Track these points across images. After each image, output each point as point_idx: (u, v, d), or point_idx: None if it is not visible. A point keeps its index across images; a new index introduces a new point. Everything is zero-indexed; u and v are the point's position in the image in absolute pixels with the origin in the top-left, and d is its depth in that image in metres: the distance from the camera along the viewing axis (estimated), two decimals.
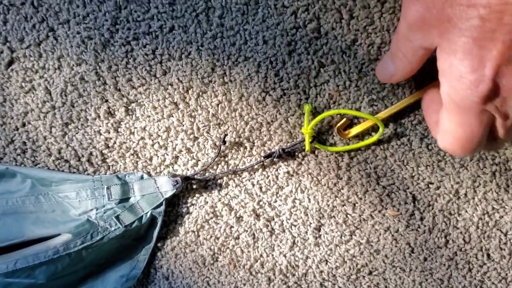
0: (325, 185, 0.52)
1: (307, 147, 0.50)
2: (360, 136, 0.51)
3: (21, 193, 0.55)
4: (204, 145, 0.53)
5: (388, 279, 0.54)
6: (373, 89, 0.49)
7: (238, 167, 0.53)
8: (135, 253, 0.58)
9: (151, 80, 0.51)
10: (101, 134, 0.54)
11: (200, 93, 0.51)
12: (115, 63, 0.51)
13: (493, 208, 0.52)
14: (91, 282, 0.59)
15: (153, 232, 0.56)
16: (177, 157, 0.54)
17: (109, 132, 0.53)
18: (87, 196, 0.54)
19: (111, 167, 0.55)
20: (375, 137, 0.49)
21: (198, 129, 0.52)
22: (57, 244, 0.53)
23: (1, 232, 0.54)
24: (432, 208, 0.51)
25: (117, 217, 0.54)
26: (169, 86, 0.51)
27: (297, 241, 0.54)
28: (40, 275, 0.54)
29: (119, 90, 0.52)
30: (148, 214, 0.54)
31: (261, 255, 0.55)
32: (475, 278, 0.53)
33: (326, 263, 0.54)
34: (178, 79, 0.51)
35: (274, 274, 0.55)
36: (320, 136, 0.51)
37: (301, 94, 0.50)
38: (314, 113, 0.50)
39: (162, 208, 0.54)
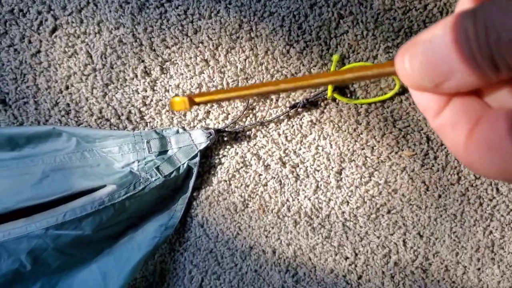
0: (345, 131, 0.53)
1: (329, 94, 0.51)
2: (379, 89, 0.52)
3: (67, 150, 0.56)
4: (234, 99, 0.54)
5: (406, 216, 0.55)
6: (389, 37, 0.50)
7: (265, 118, 0.54)
8: (173, 203, 0.59)
9: (183, 39, 0.53)
10: (138, 92, 0.55)
11: (229, 49, 0.52)
12: (150, 24, 0.52)
13: None
14: (132, 233, 0.60)
15: (189, 182, 0.57)
16: (209, 111, 0.55)
17: (146, 91, 0.55)
18: (128, 150, 0.55)
19: (148, 123, 0.56)
20: (391, 93, 0.50)
21: (228, 84, 0.53)
22: (102, 195, 0.55)
23: (51, 187, 0.55)
24: (445, 147, 0.52)
25: (157, 168, 0.55)
26: (200, 44, 0.53)
27: (320, 185, 0.55)
28: (87, 226, 0.55)
29: (154, 50, 0.53)
30: (185, 165, 0.56)
31: (287, 200, 0.56)
32: (485, 212, 0.54)
33: (348, 204, 0.56)
34: (208, 36, 0.52)
35: (299, 216, 0.57)
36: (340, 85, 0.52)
37: (323, 45, 0.51)
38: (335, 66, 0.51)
39: (197, 159, 0.56)
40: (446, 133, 0.18)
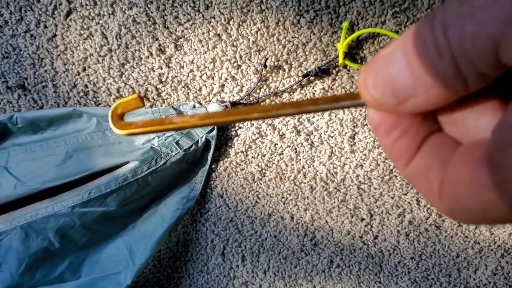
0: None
1: (340, 61, 0.48)
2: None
3: (88, 130, 0.54)
4: (247, 71, 0.52)
5: None
6: (396, 3, 0.47)
7: (278, 89, 0.52)
8: (193, 176, 0.57)
9: (195, 15, 0.50)
10: (154, 70, 0.52)
11: (240, 23, 0.50)
12: (162, 3, 0.50)
13: None
14: (155, 207, 0.58)
15: (207, 155, 0.55)
16: (223, 85, 0.52)
17: (161, 68, 0.52)
18: None
19: (165, 100, 0.54)
20: None
21: (241, 57, 0.51)
22: (125, 171, 0.52)
23: (75, 166, 0.53)
24: None
25: (177, 143, 0.53)
26: (212, 19, 0.50)
27: (335, 151, 0.53)
28: (111, 202, 0.53)
29: (168, 27, 0.51)
30: (203, 138, 0.53)
31: (303, 167, 0.54)
32: None
33: (362, 168, 0.54)
34: (219, 11, 0.50)
35: (315, 182, 0.55)
36: (351, 51, 0.50)
37: (332, 14, 0.48)
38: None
39: (215, 132, 0.53)
40: (419, 181, 0.15)
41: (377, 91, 0.14)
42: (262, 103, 0.52)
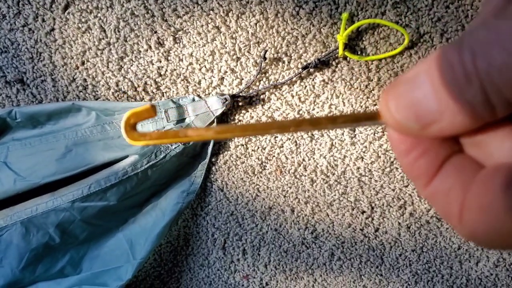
0: (357, 88, 0.51)
1: (340, 52, 0.48)
2: (389, 45, 0.49)
3: (88, 124, 0.54)
4: (246, 64, 0.51)
5: None
6: None
7: (278, 81, 0.51)
8: (193, 169, 0.56)
9: (194, 7, 0.49)
10: (153, 64, 0.52)
11: (239, 15, 0.49)
12: None
13: None
14: (155, 201, 0.57)
15: (207, 149, 0.55)
16: (222, 78, 0.52)
17: (160, 61, 0.52)
18: (147, 120, 0.53)
19: (165, 93, 0.53)
20: (400, 48, 0.48)
21: (240, 49, 0.51)
22: (125, 165, 0.52)
23: (75, 161, 0.53)
24: None
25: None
26: (211, 11, 0.49)
27: (335, 143, 0.53)
28: (112, 196, 0.53)
29: (166, 20, 0.50)
30: None
31: (303, 159, 0.54)
32: None
33: (362, 160, 0.53)
34: (218, 3, 0.49)
35: (316, 175, 0.54)
36: (351, 42, 0.49)
37: (332, 5, 0.48)
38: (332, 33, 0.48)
39: (214, 125, 0.53)
40: (439, 202, 0.15)
41: (400, 114, 0.13)
42: (263, 96, 0.52)
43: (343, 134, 0.52)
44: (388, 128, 0.15)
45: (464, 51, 0.11)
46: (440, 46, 0.10)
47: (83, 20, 0.50)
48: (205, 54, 0.50)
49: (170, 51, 0.51)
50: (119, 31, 0.50)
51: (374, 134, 0.51)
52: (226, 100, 0.50)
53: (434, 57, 0.12)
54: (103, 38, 0.51)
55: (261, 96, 0.52)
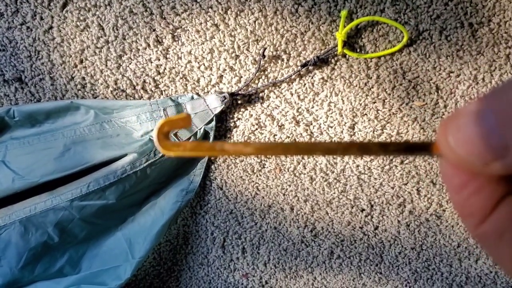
0: (356, 85, 0.50)
1: (339, 50, 0.48)
2: (388, 42, 0.49)
3: (86, 123, 0.53)
4: (245, 61, 0.51)
5: (418, 166, 0.53)
6: None
7: (277, 79, 0.51)
8: (192, 168, 0.56)
9: (192, 5, 0.49)
10: (152, 62, 0.52)
11: (238, 12, 0.49)
12: None
13: None
14: (154, 200, 0.57)
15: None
16: (221, 76, 0.52)
17: (159, 59, 0.51)
18: (146, 118, 0.52)
19: (163, 92, 0.53)
20: (399, 45, 0.47)
21: (239, 47, 0.50)
22: (124, 164, 0.52)
23: (74, 159, 0.52)
24: (454, 95, 0.50)
25: (175, 134, 0.52)
26: (209, 9, 0.49)
27: (334, 141, 0.53)
28: (110, 195, 0.52)
29: (165, 18, 0.50)
30: (202, 130, 0.53)
31: (302, 158, 0.54)
32: None
33: (361, 158, 0.53)
34: (217, 1, 0.49)
35: (315, 173, 0.54)
36: (350, 40, 0.49)
37: (330, 2, 0.48)
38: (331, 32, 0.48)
39: (213, 123, 0.53)
40: (491, 244, 0.14)
41: (461, 149, 0.13)
42: (262, 94, 0.52)
43: (342, 132, 0.52)
44: (441, 160, 0.14)
45: None
46: (506, 80, 0.10)
47: (81, 18, 0.50)
48: (203, 52, 0.50)
49: (169, 49, 0.50)
50: (117, 29, 0.50)
51: (373, 132, 0.51)
52: (225, 98, 0.50)
53: (499, 91, 0.12)
54: (101, 36, 0.50)
55: (260, 94, 0.52)
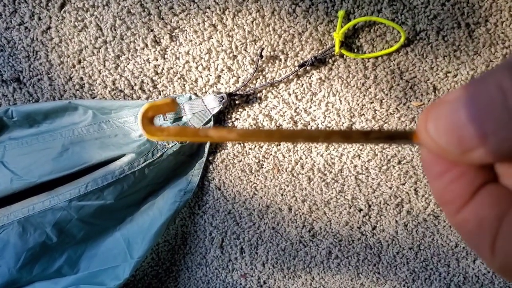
0: (354, 86, 0.51)
1: (336, 50, 0.48)
2: (385, 42, 0.49)
3: (84, 123, 0.53)
4: (243, 62, 0.51)
5: (416, 166, 0.53)
6: None
7: (274, 79, 0.51)
8: (190, 168, 0.56)
9: (190, 5, 0.49)
10: (149, 62, 0.52)
11: (236, 13, 0.49)
12: None
13: None
14: (152, 200, 0.57)
15: (204, 147, 0.55)
16: (219, 76, 0.52)
17: (157, 60, 0.52)
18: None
19: (161, 92, 0.53)
20: (397, 46, 0.48)
21: (237, 47, 0.50)
22: (122, 164, 0.52)
23: (72, 159, 0.52)
24: None
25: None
26: (207, 9, 0.49)
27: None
28: (109, 195, 0.52)
29: (163, 18, 0.50)
30: None
31: (300, 158, 0.54)
32: None
33: (359, 158, 0.53)
34: (214, 1, 0.49)
35: (313, 173, 0.54)
36: (347, 40, 0.49)
37: (328, 2, 0.48)
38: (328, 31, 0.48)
39: (211, 124, 0.53)
40: (469, 231, 0.14)
41: (440, 138, 0.13)
42: (260, 94, 0.52)
43: None
44: (422, 149, 0.15)
45: None
46: (489, 70, 0.10)
47: (79, 18, 0.50)
48: (201, 52, 0.50)
49: (167, 49, 0.51)
50: (115, 30, 0.50)
51: None
52: (223, 99, 0.50)
53: (479, 79, 0.12)
54: (99, 37, 0.50)
55: (258, 94, 0.52)
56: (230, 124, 0.53)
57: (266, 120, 0.52)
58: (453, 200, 0.14)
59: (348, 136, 0.14)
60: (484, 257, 0.13)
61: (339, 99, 0.51)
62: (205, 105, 0.51)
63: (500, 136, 0.11)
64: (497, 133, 0.11)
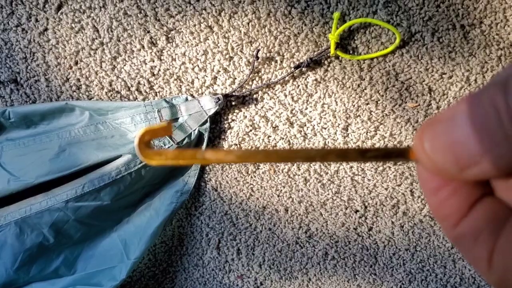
0: (349, 87, 0.51)
1: (332, 51, 0.48)
2: (381, 44, 0.49)
3: (81, 124, 0.54)
4: (239, 63, 0.51)
5: (412, 167, 0.53)
6: None
7: (270, 80, 0.52)
8: (186, 169, 0.57)
9: (186, 7, 0.50)
10: (146, 63, 0.52)
11: (232, 14, 0.50)
12: None
13: None
14: (149, 201, 0.57)
15: (201, 148, 0.55)
16: (215, 77, 0.52)
17: (153, 61, 0.52)
18: (141, 119, 0.53)
19: (158, 93, 0.53)
20: (392, 47, 0.48)
21: (233, 48, 0.51)
22: (119, 165, 0.52)
23: (69, 160, 0.53)
24: (447, 97, 0.50)
25: (170, 136, 0.53)
26: (203, 11, 0.50)
27: (328, 142, 0.53)
28: (105, 196, 0.53)
29: (159, 20, 0.51)
30: (196, 131, 0.53)
31: None
32: None
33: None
34: (210, 3, 0.49)
35: (309, 174, 0.54)
36: (343, 42, 0.50)
37: (323, 4, 0.48)
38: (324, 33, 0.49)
39: (207, 125, 0.53)
40: (466, 246, 0.14)
41: (437, 156, 0.13)
42: (256, 96, 0.52)
43: (335, 133, 0.52)
44: (418, 165, 0.15)
45: (510, 93, 0.11)
46: (482, 86, 0.10)
47: (76, 20, 0.51)
48: (198, 54, 0.51)
49: (163, 51, 0.51)
50: (112, 31, 0.50)
51: (366, 133, 0.52)
52: (219, 100, 0.51)
53: (474, 96, 0.12)
54: (96, 38, 0.51)
55: (254, 96, 0.52)
56: (226, 125, 0.53)
57: (262, 122, 0.52)
58: (449, 215, 0.14)
59: (345, 155, 0.15)
60: (481, 271, 0.13)
61: (335, 100, 0.51)
62: (202, 106, 0.52)
63: (496, 153, 0.11)
64: (493, 151, 0.11)
